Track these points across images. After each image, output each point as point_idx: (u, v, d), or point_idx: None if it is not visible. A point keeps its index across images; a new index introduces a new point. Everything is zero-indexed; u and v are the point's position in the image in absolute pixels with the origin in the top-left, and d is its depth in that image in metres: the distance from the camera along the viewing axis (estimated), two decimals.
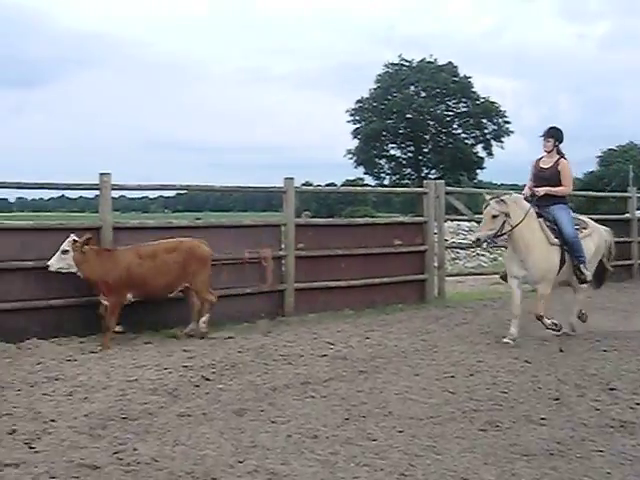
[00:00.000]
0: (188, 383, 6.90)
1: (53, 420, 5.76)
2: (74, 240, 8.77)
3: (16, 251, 8.89)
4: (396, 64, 62.20)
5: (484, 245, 9.39)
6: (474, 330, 9.68)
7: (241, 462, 4.92)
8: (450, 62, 61.71)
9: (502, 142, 62.04)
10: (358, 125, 62.33)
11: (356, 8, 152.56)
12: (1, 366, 7.53)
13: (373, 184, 61.93)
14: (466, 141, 63.19)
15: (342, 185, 55.91)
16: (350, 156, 62.83)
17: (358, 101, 63.06)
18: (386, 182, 62.76)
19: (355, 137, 62.58)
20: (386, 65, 62.67)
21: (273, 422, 5.75)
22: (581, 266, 8.99)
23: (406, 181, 61.31)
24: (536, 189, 9.14)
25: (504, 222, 8.68)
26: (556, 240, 8.90)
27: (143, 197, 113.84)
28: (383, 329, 9.72)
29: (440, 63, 61.47)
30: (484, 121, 61.64)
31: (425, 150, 63.32)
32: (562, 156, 9.28)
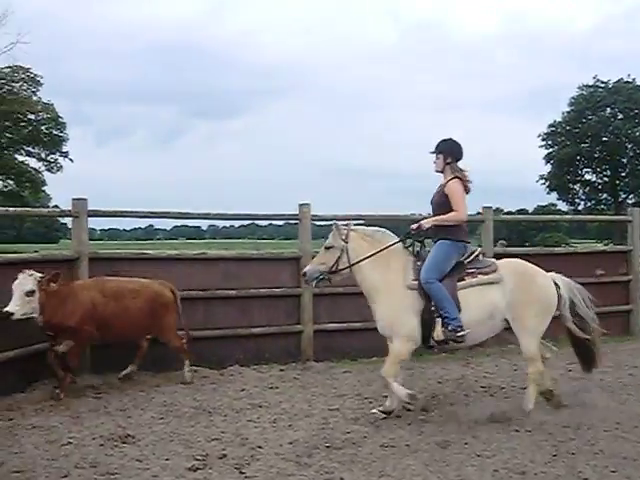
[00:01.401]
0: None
1: (260, 446, 5.92)
2: (40, 278, 7.13)
3: (219, 280, 9.30)
4: (591, 86, 60.01)
5: (313, 283, 7.16)
6: None
7: None
8: None
9: None
10: (551, 150, 60.56)
11: (548, 30, 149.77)
12: (207, 392, 7.86)
13: (566, 210, 59.97)
14: None
15: (534, 211, 54.61)
16: (542, 181, 61.10)
17: (551, 125, 61.26)
18: (580, 208, 60.58)
19: (548, 162, 60.82)
20: (580, 87, 60.59)
21: (478, 456, 5.66)
22: (437, 320, 6.71)
23: (602, 207, 58.92)
24: (423, 222, 7.11)
25: (338, 257, 7.04)
26: (414, 283, 6.81)
27: (332, 224, 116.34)
28: None
29: (639, 83, 58.78)
30: None
31: (622, 174, 60.60)
32: (456, 176, 7.11)
